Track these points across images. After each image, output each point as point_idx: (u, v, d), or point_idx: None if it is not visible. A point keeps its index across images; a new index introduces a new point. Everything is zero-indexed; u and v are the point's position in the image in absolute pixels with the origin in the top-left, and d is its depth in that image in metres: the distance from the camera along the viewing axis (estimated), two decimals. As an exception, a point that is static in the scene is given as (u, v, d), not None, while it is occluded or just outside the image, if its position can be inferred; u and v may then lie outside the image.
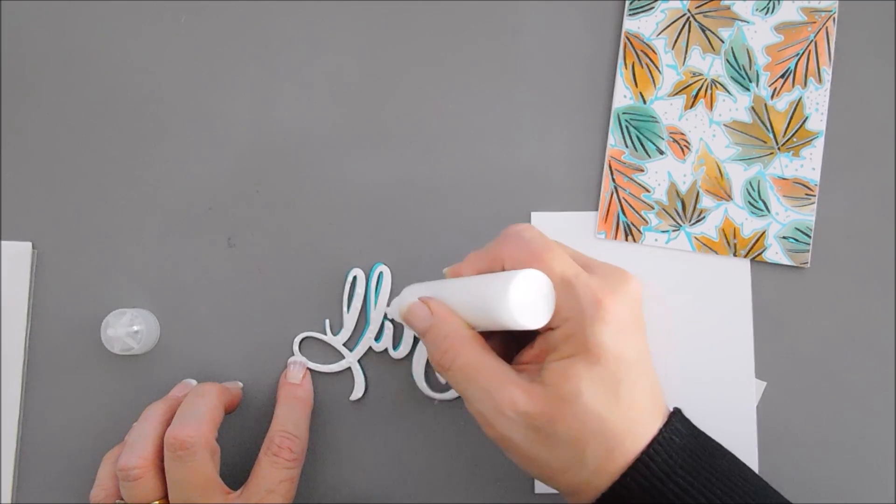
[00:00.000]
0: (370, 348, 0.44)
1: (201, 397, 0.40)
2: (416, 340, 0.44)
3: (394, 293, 0.44)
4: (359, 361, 0.44)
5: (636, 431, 0.33)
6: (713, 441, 0.35)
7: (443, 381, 0.44)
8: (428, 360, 0.44)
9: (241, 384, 0.44)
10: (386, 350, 0.44)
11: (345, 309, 0.45)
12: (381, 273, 0.44)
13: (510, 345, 0.38)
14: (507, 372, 0.34)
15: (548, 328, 0.34)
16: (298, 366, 0.44)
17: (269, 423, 0.41)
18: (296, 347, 0.45)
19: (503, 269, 0.35)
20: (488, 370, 0.34)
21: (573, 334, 0.33)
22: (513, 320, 0.33)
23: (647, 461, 0.33)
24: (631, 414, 0.33)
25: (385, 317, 0.44)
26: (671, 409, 0.35)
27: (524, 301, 0.33)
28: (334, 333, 0.45)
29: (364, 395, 0.44)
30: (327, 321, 0.45)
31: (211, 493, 0.37)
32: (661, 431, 0.34)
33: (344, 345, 0.44)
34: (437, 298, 0.37)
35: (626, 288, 0.34)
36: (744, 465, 0.35)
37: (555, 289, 0.34)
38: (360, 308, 0.44)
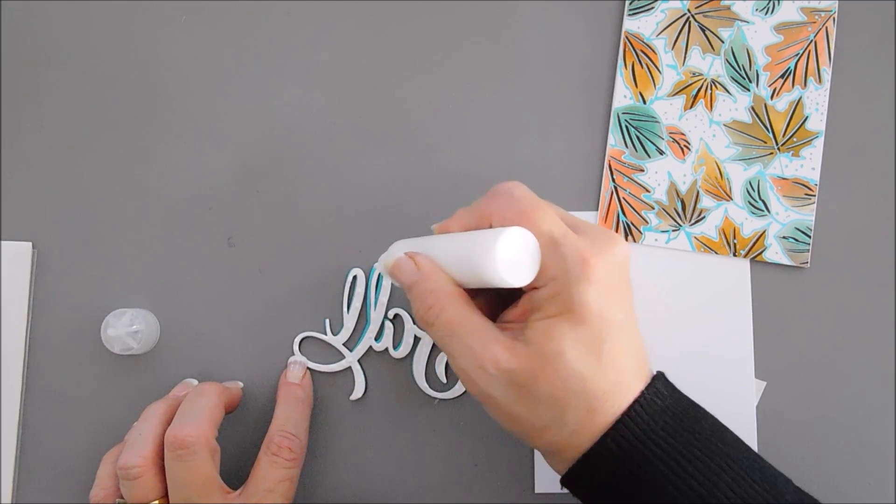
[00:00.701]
0: (370, 348, 0.44)
1: (202, 397, 0.40)
2: (416, 340, 0.44)
3: (393, 293, 0.44)
4: (359, 361, 0.44)
5: (618, 392, 0.33)
6: (695, 404, 0.35)
7: (444, 368, 0.44)
8: (428, 359, 0.44)
9: (241, 384, 0.44)
10: (386, 350, 0.44)
11: (345, 309, 0.45)
12: (380, 273, 0.44)
13: (496, 304, 0.38)
14: (491, 329, 0.34)
15: (533, 287, 0.34)
16: (298, 365, 0.44)
17: (269, 423, 0.41)
18: (296, 347, 0.45)
19: (491, 227, 0.35)
20: (471, 327, 0.34)
21: (558, 294, 0.33)
22: (498, 277, 0.33)
23: (627, 422, 0.33)
24: (613, 375, 0.33)
25: (385, 316, 0.44)
26: (655, 373, 0.36)
27: (510, 259, 0.33)
28: (334, 333, 0.45)
29: (364, 394, 0.44)
30: (327, 321, 0.45)
31: (211, 492, 0.37)
32: (642, 393, 0.34)
33: (344, 344, 0.44)
34: (424, 254, 0.37)
35: (613, 250, 0.34)
36: (725, 427, 0.35)
37: (541, 248, 0.34)
38: (360, 308, 0.44)
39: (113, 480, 0.39)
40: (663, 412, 0.34)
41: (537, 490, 0.44)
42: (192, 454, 0.37)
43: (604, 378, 0.33)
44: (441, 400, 0.44)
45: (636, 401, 0.33)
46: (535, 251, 0.34)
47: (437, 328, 0.35)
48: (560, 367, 0.33)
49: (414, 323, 0.44)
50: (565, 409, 0.33)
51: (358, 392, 0.44)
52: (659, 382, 0.35)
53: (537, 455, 0.44)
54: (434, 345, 0.44)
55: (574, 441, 0.34)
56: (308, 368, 0.44)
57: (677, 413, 0.34)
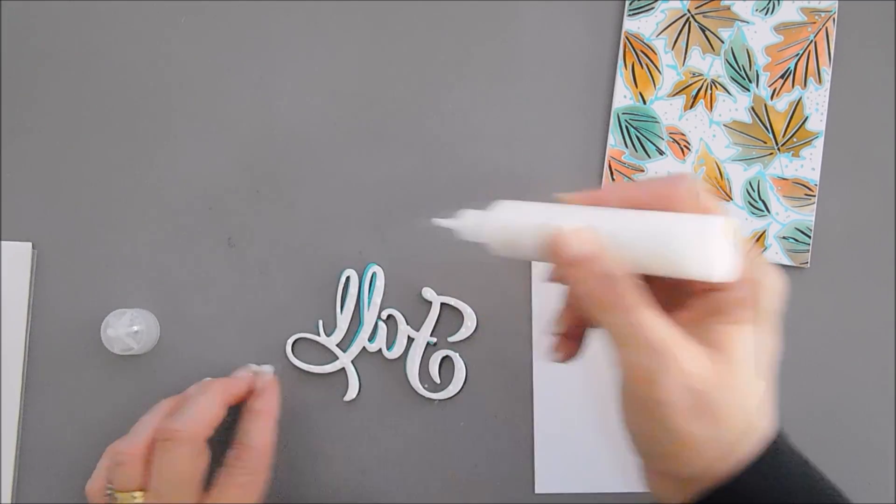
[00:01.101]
0: (364, 349, 0.44)
1: (202, 395, 0.40)
2: (409, 341, 0.44)
3: (386, 293, 0.44)
4: (352, 362, 0.44)
5: (769, 418, 0.31)
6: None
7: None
8: (422, 360, 0.44)
9: (272, 368, 0.44)
10: (380, 350, 0.44)
11: (338, 309, 0.44)
12: (374, 273, 0.44)
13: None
14: (675, 327, 0.30)
15: (712, 288, 0.30)
16: (252, 374, 0.43)
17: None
18: (288, 350, 0.44)
19: (671, 212, 0.31)
20: (659, 323, 0.30)
21: (748, 299, 0.30)
22: (703, 269, 0.29)
23: (778, 451, 0.30)
24: (769, 397, 0.31)
25: (378, 316, 0.44)
26: None
27: (721, 250, 0.29)
28: (328, 334, 0.44)
29: (358, 395, 0.44)
30: (320, 322, 0.45)
31: (185, 489, 0.38)
32: (780, 427, 0.31)
33: (337, 345, 0.44)
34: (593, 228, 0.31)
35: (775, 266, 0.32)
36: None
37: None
38: (353, 309, 0.44)
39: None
40: (793, 448, 0.31)
41: (537, 490, 0.44)
42: (176, 447, 0.37)
43: (767, 398, 0.30)
44: (436, 400, 0.44)
45: (779, 431, 0.31)
46: (737, 248, 0.30)
47: (615, 314, 0.30)
48: (744, 377, 0.30)
49: (408, 324, 0.44)
50: (729, 428, 0.29)
51: (352, 393, 0.44)
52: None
53: (537, 455, 0.44)
54: (427, 345, 0.44)
55: (715, 468, 0.30)
56: (271, 376, 0.43)
57: (796, 450, 0.32)
